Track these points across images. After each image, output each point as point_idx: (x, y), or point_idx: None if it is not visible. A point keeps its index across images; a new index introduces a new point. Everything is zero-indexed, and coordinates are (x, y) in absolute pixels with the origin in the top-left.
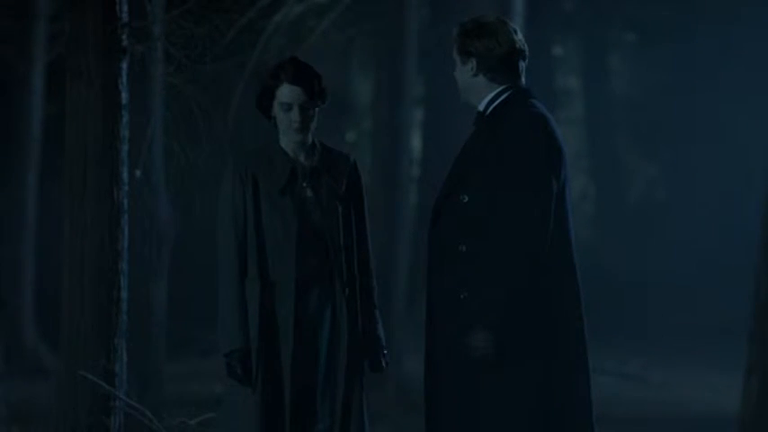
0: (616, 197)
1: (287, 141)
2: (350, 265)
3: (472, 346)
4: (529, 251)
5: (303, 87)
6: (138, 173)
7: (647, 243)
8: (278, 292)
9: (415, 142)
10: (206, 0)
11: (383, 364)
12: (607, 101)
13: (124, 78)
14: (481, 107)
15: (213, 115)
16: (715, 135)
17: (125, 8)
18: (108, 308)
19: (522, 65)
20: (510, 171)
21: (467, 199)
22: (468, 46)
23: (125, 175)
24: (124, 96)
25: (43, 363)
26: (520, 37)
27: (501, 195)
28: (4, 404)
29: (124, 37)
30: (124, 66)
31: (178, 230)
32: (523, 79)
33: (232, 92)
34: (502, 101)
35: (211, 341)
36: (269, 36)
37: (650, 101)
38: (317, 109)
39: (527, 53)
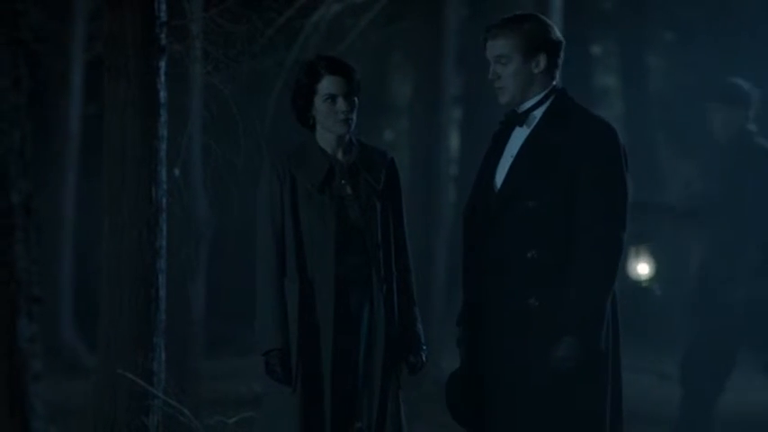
0: (653, 195)
1: (326, 138)
2: (388, 261)
3: (558, 356)
4: (615, 255)
5: (345, 77)
6: (176, 172)
7: (686, 241)
8: (317, 290)
9: (453, 141)
10: None
11: (422, 361)
12: (645, 99)
13: (162, 77)
14: (527, 106)
15: (251, 114)
16: None
17: (163, 7)
18: (146, 306)
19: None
20: (592, 174)
21: (534, 204)
22: (538, 41)
23: (163, 174)
24: (162, 95)
25: (81, 361)
26: None
27: (581, 199)
28: (42, 402)
29: (162, 36)
30: (162, 65)
31: (216, 229)
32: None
33: (270, 91)
34: (552, 103)
35: (249, 339)
36: (307, 35)
37: (688, 99)
38: (357, 100)
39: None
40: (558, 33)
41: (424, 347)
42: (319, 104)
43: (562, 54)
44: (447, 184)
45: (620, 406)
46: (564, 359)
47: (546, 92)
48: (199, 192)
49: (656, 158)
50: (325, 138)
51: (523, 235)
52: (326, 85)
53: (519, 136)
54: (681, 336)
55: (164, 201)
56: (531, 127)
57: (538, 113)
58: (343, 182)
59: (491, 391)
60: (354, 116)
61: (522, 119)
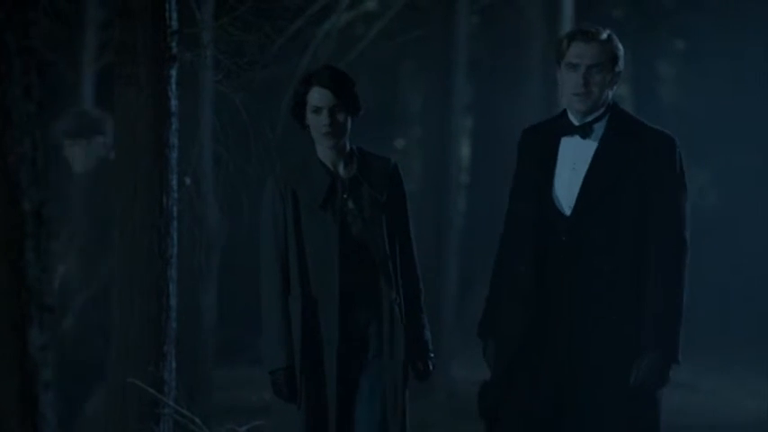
0: None
1: (323, 151)
2: (395, 272)
3: (643, 372)
4: (686, 267)
5: (333, 91)
6: (187, 180)
7: (698, 249)
8: (321, 308)
9: (465, 150)
10: (255, 7)
11: (429, 368)
12: (656, 108)
13: (173, 86)
14: (591, 118)
15: (262, 123)
16: (765, 142)
17: (174, 15)
18: (157, 315)
19: None
20: (665, 187)
21: (612, 221)
22: (621, 59)
23: (174, 183)
24: (173, 104)
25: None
26: None
27: (656, 212)
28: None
29: (173, 44)
30: (173, 73)
31: (227, 238)
32: None
33: (281, 99)
34: (612, 116)
35: (260, 348)
36: (318, 44)
37: (700, 108)
38: (349, 117)
39: None
40: None
41: (432, 355)
42: (308, 115)
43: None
44: (458, 193)
45: None
46: (645, 376)
47: (605, 108)
48: (210, 200)
49: None
50: (324, 151)
51: (604, 254)
52: (314, 96)
53: (581, 148)
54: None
55: (175, 209)
56: (598, 140)
57: (598, 127)
58: (345, 197)
59: (571, 409)
60: (344, 131)
61: (586, 130)
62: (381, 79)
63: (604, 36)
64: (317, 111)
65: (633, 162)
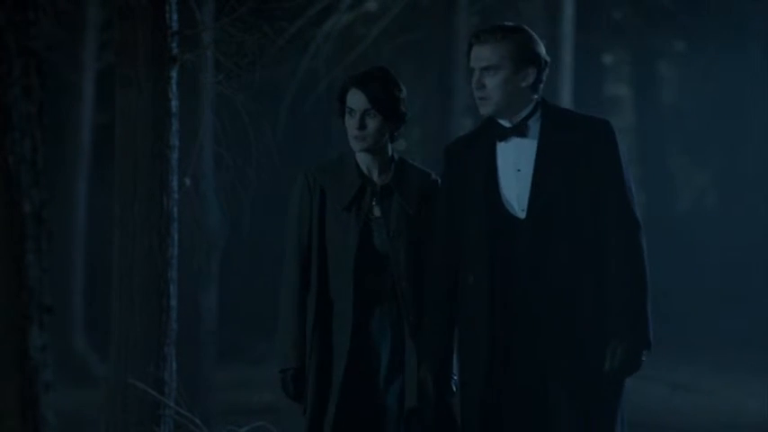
0: (666, 205)
1: (361, 154)
2: (417, 290)
3: (614, 362)
4: (644, 250)
5: (367, 94)
6: (187, 181)
7: (696, 250)
8: (336, 312)
9: None
10: (256, 8)
11: (452, 390)
12: (657, 109)
13: (174, 86)
14: (518, 119)
15: (263, 123)
16: (765, 143)
17: (174, 16)
18: (157, 316)
19: None
20: (610, 175)
21: (569, 216)
22: (529, 53)
23: (174, 183)
24: (174, 104)
25: (93, 371)
26: None
27: (605, 200)
28: (54, 412)
29: (174, 45)
30: (174, 74)
31: (228, 238)
32: None
33: (282, 100)
34: (544, 111)
35: (261, 349)
36: (318, 45)
37: (700, 109)
38: (386, 123)
39: None
40: (545, 50)
41: (455, 377)
42: (345, 117)
43: (547, 71)
44: None
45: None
46: (621, 363)
47: (533, 105)
48: (210, 201)
49: (667, 167)
50: (360, 154)
51: (566, 250)
52: (349, 97)
53: (521, 149)
54: (693, 344)
55: (175, 210)
56: (537, 137)
57: (532, 123)
58: (373, 203)
59: (536, 406)
60: (377, 137)
61: (522, 130)
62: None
63: (499, 35)
64: (351, 113)
65: (576, 153)
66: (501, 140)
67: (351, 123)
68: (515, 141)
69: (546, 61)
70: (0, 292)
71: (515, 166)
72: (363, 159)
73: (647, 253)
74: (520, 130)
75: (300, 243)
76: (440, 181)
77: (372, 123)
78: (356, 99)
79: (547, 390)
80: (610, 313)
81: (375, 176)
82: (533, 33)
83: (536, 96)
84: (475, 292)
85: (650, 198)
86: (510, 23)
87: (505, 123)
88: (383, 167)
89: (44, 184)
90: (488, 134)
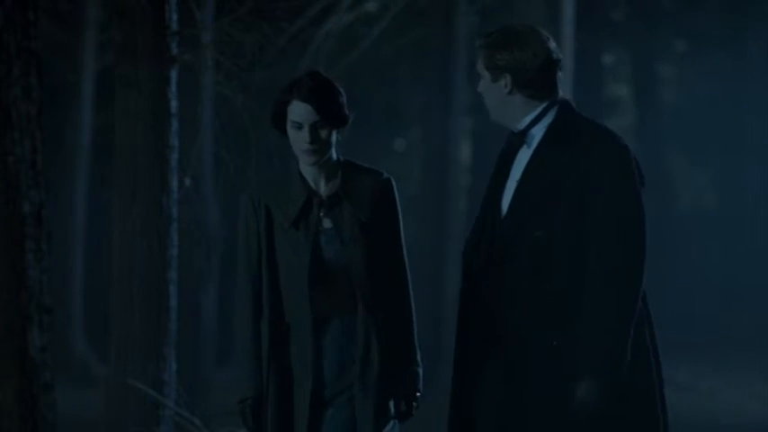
0: (666, 205)
1: (305, 165)
2: (381, 297)
3: (577, 400)
4: (633, 285)
5: (315, 105)
6: (187, 181)
7: (698, 250)
8: (293, 335)
9: (465, 151)
10: (255, 8)
11: (412, 410)
12: (657, 109)
13: (173, 87)
14: (522, 126)
15: (262, 124)
16: (765, 143)
17: (174, 17)
18: (157, 316)
19: (560, 75)
20: (602, 196)
21: (541, 233)
22: (497, 60)
23: (174, 184)
24: (173, 105)
25: (92, 371)
26: (554, 45)
27: (592, 224)
28: (53, 412)
29: (174, 45)
30: (173, 74)
31: (227, 239)
32: (560, 91)
33: None
34: (555, 119)
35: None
36: (318, 45)
37: (700, 109)
38: (333, 131)
39: (562, 62)
40: (535, 49)
41: (419, 394)
42: (289, 129)
43: (533, 74)
44: (458, 194)
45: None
46: (583, 403)
47: (540, 110)
48: (210, 201)
49: (667, 167)
50: (305, 165)
51: (533, 268)
52: (294, 110)
53: (522, 157)
54: (693, 344)
55: (175, 210)
56: (533, 147)
57: (536, 131)
58: (321, 215)
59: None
60: (323, 147)
61: (521, 139)
62: (381, 80)
63: (480, 43)
64: (298, 126)
65: (567, 169)
66: (510, 147)
67: (299, 137)
68: (525, 150)
69: (518, 64)
70: (0, 292)
71: (516, 175)
72: (309, 170)
73: (635, 286)
74: (519, 139)
75: (250, 268)
76: (392, 180)
77: (324, 134)
78: (302, 112)
79: (508, 411)
80: (581, 345)
81: (322, 186)
82: (504, 35)
83: (538, 102)
84: (462, 297)
85: (649, 198)
86: (498, 27)
87: (514, 130)
88: (330, 175)
89: (44, 184)
90: (514, 140)
